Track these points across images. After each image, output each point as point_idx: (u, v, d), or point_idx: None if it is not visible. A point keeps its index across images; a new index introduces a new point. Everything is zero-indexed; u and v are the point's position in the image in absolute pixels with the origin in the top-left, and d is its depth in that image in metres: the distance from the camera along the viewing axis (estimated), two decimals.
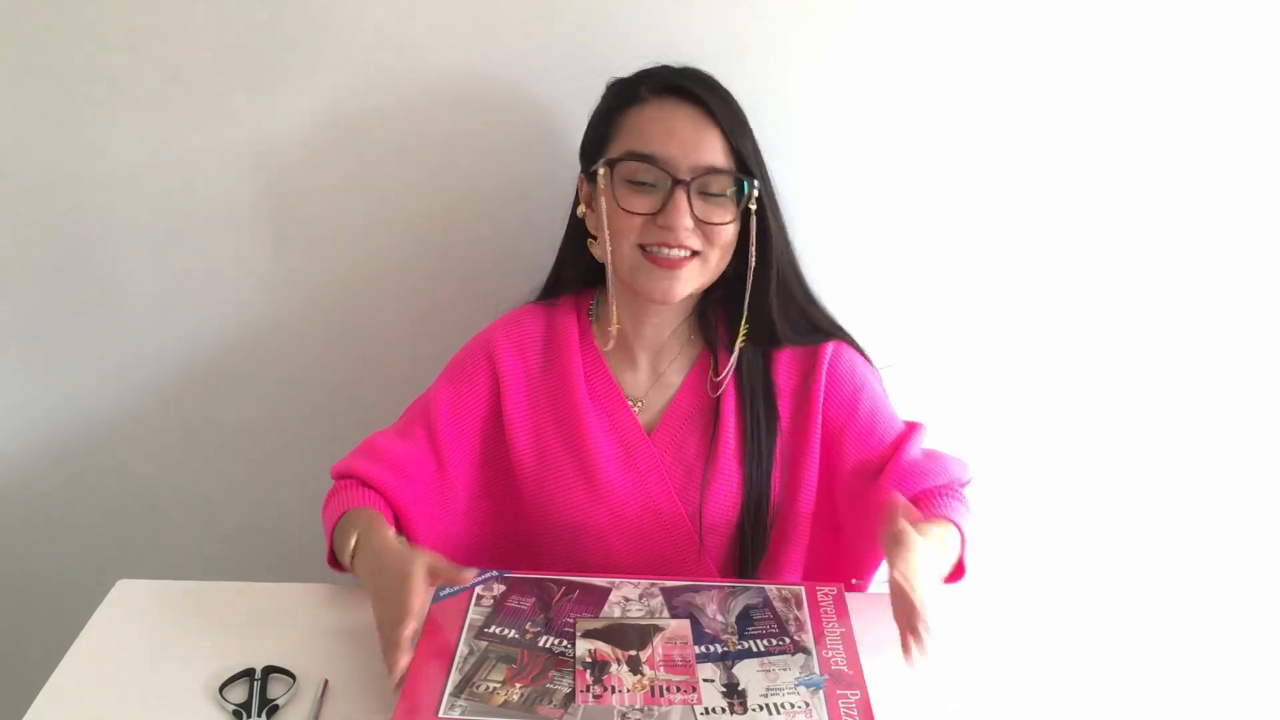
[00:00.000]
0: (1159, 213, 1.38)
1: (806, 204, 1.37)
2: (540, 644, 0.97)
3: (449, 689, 0.92)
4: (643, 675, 0.93)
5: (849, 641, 0.99)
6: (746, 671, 0.95)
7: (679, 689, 0.92)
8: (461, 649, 0.97)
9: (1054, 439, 1.49)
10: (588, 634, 0.98)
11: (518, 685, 0.91)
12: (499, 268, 1.39)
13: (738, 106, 1.14)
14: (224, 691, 0.97)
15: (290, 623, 1.08)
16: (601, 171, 1.11)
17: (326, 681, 0.99)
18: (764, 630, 1.00)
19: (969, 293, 1.42)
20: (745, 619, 1.02)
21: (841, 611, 1.03)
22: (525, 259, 1.37)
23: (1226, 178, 1.36)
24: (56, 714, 0.95)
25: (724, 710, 0.90)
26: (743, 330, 1.17)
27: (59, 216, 1.36)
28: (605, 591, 1.05)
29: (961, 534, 1.07)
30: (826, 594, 1.05)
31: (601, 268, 1.18)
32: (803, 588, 1.07)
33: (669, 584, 1.07)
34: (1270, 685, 1.02)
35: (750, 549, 1.19)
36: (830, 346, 1.19)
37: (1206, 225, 1.39)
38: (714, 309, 1.22)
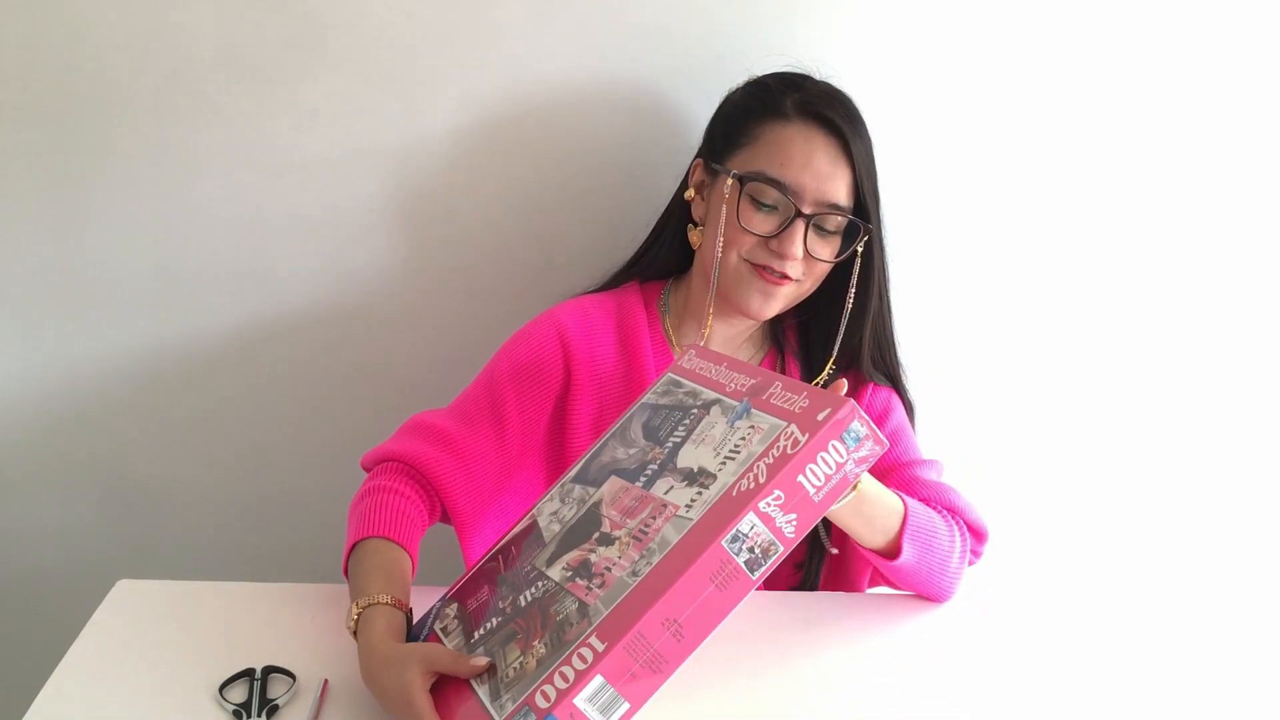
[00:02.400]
0: (1160, 213, 1.38)
1: None
2: (522, 603, 0.93)
3: (487, 702, 0.87)
4: (619, 539, 0.90)
5: (736, 365, 0.97)
6: (689, 457, 0.92)
7: (653, 516, 0.89)
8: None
9: (1056, 440, 1.49)
10: (550, 560, 0.94)
11: (535, 642, 0.88)
12: (501, 267, 1.39)
13: (869, 141, 1.15)
14: (224, 691, 0.97)
15: (290, 623, 1.07)
16: (730, 182, 1.12)
17: (326, 681, 0.98)
18: (671, 423, 0.98)
19: (972, 294, 1.42)
20: (651, 431, 0.99)
21: (708, 355, 1.01)
22: (526, 258, 1.38)
23: (1226, 179, 1.37)
24: (56, 714, 0.95)
25: (700, 491, 0.87)
26: (830, 366, 1.19)
27: (59, 216, 1.36)
28: (532, 525, 1.02)
29: (906, 509, 1.06)
30: (688, 355, 1.03)
31: (681, 258, 1.20)
32: (667, 370, 1.04)
33: (572, 473, 1.03)
34: (1271, 685, 1.02)
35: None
36: (878, 389, 1.22)
37: (1207, 226, 1.39)
38: (789, 317, 1.24)
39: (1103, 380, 1.46)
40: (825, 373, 1.20)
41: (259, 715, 0.94)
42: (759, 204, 1.12)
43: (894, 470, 1.17)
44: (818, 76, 1.17)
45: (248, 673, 0.99)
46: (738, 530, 0.81)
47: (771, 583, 1.21)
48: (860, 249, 1.14)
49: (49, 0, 1.27)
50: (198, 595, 1.12)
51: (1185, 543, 1.54)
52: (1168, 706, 0.99)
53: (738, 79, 1.20)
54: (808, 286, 1.16)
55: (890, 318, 1.22)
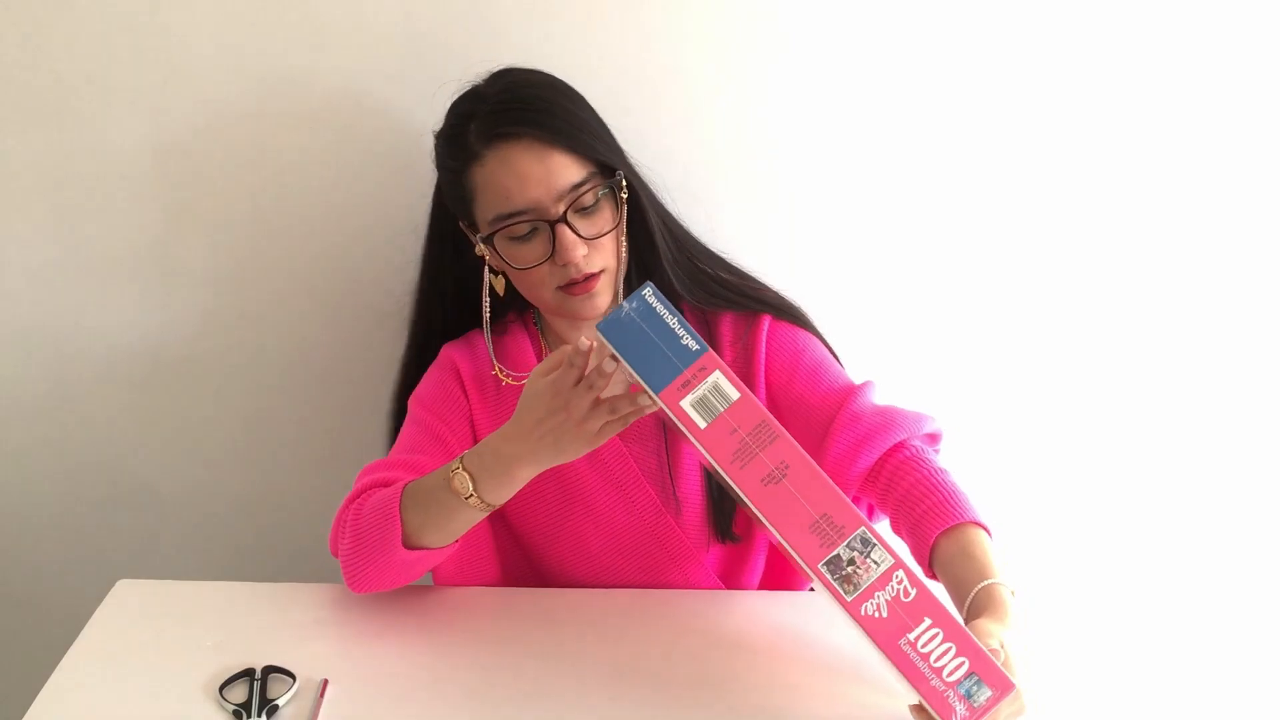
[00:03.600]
0: (1159, 213, 1.38)
1: (808, 205, 1.38)
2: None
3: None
4: None
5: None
6: None
7: None
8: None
9: (1058, 440, 1.49)
10: None
11: None
12: None
13: (564, 103, 1.11)
14: (224, 691, 0.97)
15: (290, 623, 1.08)
16: (481, 247, 1.12)
17: (326, 681, 0.98)
18: None
19: (971, 294, 1.42)
20: None
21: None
22: None
23: (1226, 179, 1.36)
24: (56, 714, 0.95)
25: None
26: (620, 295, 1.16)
27: (59, 216, 1.37)
28: None
29: (986, 529, 1.04)
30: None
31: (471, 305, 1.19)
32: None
33: None
34: (1271, 685, 1.02)
35: (720, 514, 1.19)
36: (767, 318, 1.19)
37: (1206, 226, 1.39)
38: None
39: (1105, 381, 1.46)
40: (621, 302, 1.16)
41: (259, 715, 0.94)
42: (518, 240, 1.10)
43: (838, 409, 1.12)
44: (483, 79, 1.13)
45: (248, 673, 0.99)
46: None
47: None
48: (625, 196, 1.11)
49: (49, 0, 1.27)
50: (198, 595, 1.12)
51: (1186, 543, 1.53)
52: (1167, 706, 0.99)
53: None
54: (614, 264, 1.13)
55: (699, 243, 1.20)
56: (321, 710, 0.95)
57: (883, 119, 1.34)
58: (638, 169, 1.16)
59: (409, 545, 1.04)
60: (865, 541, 0.85)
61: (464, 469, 1.00)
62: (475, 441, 1.17)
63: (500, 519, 1.22)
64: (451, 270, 1.23)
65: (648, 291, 0.90)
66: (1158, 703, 0.99)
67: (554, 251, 1.08)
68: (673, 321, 0.90)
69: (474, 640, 1.05)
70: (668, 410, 0.89)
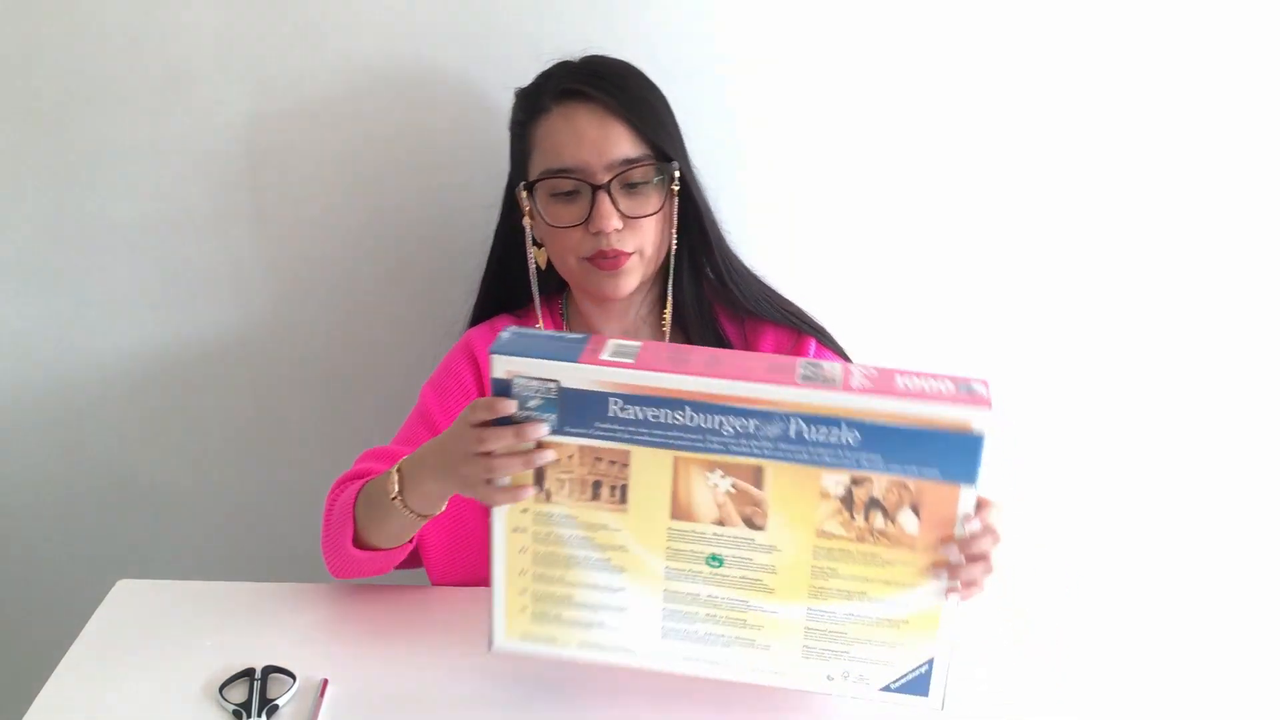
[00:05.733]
0: (1160, 214, 1.38)
1: (808, 205, 1.38)
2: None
3: None
4: None
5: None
6: None
7: None
8: None
9: (1058, 441, 1.49)
10: None
11: None
12: None
13: (640, 87, 1.14)
14: (224, 691, 0.97)
15: (290, 623, 1.08)
16: (524, 195, 1.13)
17: (326, 681, 0.98)
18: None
19: (971, 295, 1.42)
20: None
21: None
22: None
23: (1226, 179, 1.36)
24: (56, 714, 0.95)
25: None
26: (668, 313, 1.18)
27: (59, 216, 1.36)
28: None
29: None
30: None
31: (548, 274, 1.19)
32: None
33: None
34: (1271, 685, 1.02)
35: None
36: (813, 341, 1.21)
37: (1207, 226, 1.39)
38: (674, 291, 1.21)
39: (1105, 381, 1.46)
40: (666, 313, 1.18)
41: (259, 715, 0.94)
42: (560, 197, 1.12)
43: None
44: (577, 57, 1.17)
45: (248, 673, 0.99)
46: None
47: None
48: (677, 189, 1.13)
49: (49, 0, 1.27)
50: (198, 595, 1.12)
51: (1188, 543, 1.53)
52: (1167, 707, 0.99)
53: None
54: (651, 252, 1.14)
55: (739, 258, 1.21)
56: (321, 710, 0.95)
57: (883, 119, 1.34)
58: (696, 174, 1.17)
59: (358, 544, 1.06)
60: (813, 363, 0.88)
61: (398, 470, 1.00)
62: None
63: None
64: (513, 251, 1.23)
65: (508, 332, 0.90)
66: (1158, 703, 0.99)
67: (589, 217, 1.10)
68: (549, 333, 0.94)
69: (474, 640, 1.05)
70: (591, 373, 0.87)
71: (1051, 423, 1.48)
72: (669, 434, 0.88)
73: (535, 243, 1.18)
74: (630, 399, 0.87)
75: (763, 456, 0.87)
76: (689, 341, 1.20)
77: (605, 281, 1.13)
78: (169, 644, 1.04)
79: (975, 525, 0.87)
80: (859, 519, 0.88)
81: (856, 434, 0.85)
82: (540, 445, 0.89)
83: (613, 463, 0.90)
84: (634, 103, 1.12)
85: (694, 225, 1.17)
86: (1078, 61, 1.32)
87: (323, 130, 1.33)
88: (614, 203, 1.10)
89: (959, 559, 0.87)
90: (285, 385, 1.46)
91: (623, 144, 1.10)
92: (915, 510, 0.87)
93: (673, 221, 1.14)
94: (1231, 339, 1.44)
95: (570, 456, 0.90)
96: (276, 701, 0.96)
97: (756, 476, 0.88)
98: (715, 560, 0.91)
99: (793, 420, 0.86)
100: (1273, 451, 1.49)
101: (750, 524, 0.90)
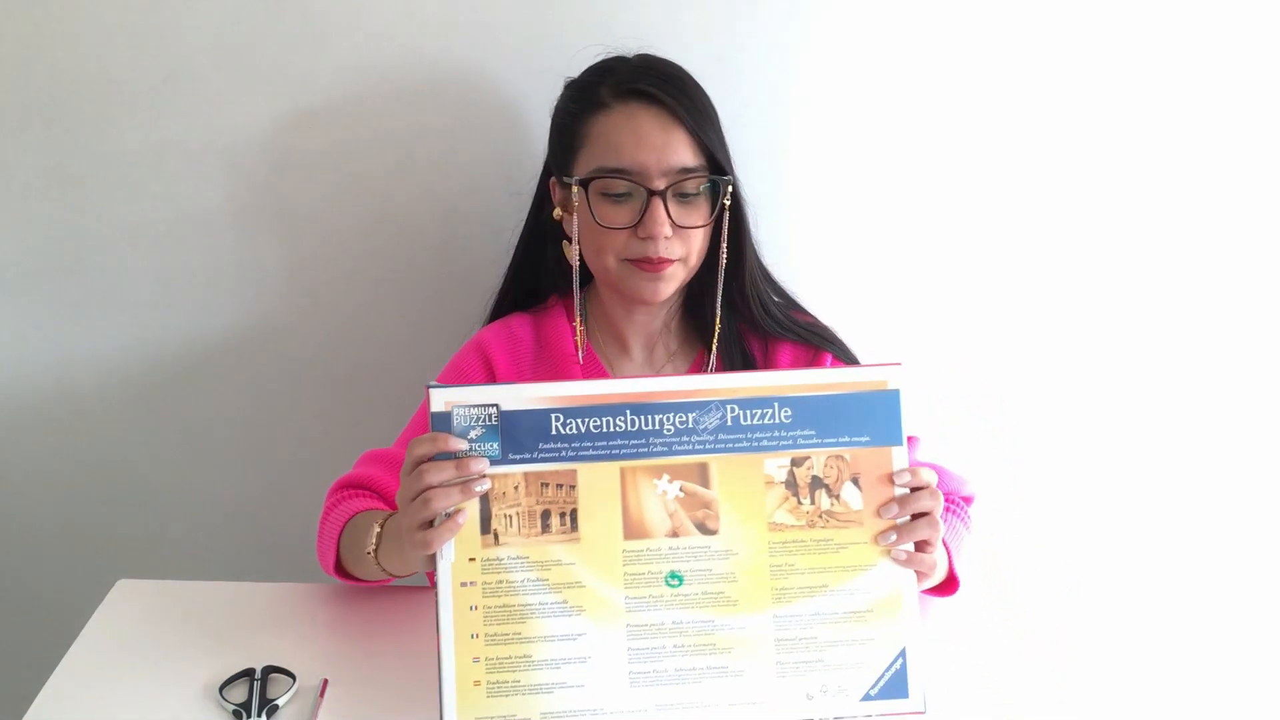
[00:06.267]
0: (1160, 214, 1.38)
1: (809, 205, 1.38)
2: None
3: None
4: None
5: None
6: None
7: None
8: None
9: (1058, 441, 1.49)
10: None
11: None
12: (499, 267, 1.39)
13: (701, 96, 1.13)
14: (224, 691, 0.97)
15: (290, 623, 1.08)
16: (576, 189, 1.11)
17: (326, 681, 0.99)
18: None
19: (972, 295, 1.42)
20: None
21: None
22: None
23: (1226, 178, 1.37)
24: (56, 714, 0.95)
25: None
26: (719, 326, 1.18)
27: (59, 216, 1.36)
28: None
29: (947, 549, 1.05)
30: None
31: (568, 271, 1.18)
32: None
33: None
34: (1270, 685, 1.02)
35: None
36: (829, 356, 1.21)
37: (1206, 227, 1.39)
38: (710, 306, 1.22)
39: (1106, 382, 1.46)
40: (717, 328, 1.17)
41: (259, 715, 0.94)
42: (611, 197, 1.10)
43: None
44: (631, 54, 1.16)
45: (248, 673, 0.99)
46: None
47: None
48: (728, 203, 1.12)
49: (49, 0, 1.27)
50: (198, 595, 1.12)
51: (1184, 543, 1.53)
52: (1167, 707, 0.99)
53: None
54: (694, 261, 1.14)
55: (765, 269, 1.21)
56: (321, 710, 0.95)
57: (882, 120, 1.34)
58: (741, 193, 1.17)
59: (338, 569, 1.07)
60: None
61: (380, 525, 1.00)
62: None
63: None
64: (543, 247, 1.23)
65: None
66: (1157, 703, 0.99)
67: (640, 222, 1.09)
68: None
69: None
70: (530, 391, 0.90)
71: (1052, 423, 1.48)
72: (612, 444, 0.89)
73: (566, 237, 1.17)
74: (571, 412, 0.89)
75: (705, 451, 0.89)
76: (714, 355, 1.19)
77: (645, 284, 1.12)
78: (169, 644, 1.04)
79: (907, 478, 0.91)
80: (805, 503, 0.90)
81: (789, 410, 0.89)
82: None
83: (559, 486, 0.90)
84: (697, 112, 1.11)
85: (735, 241, 1.16)
86: (1077, 61, 1.32)
87: (323, 130, 1.33)
88: (667, 209, 1.09)
89: (904, 517, 0.91)
90: (285, 385, 1.46)
91: (683, 152, 1.09)
92: (856, 483, 0.90)
93: (722, 235, 1.13)
94: (1231, 339, 1.44)
95: (516, 487, 0.90)
96: (276, 701, 0.96)
97: (703, 475, 0.90)
98: (675, 578, 0.90)
99: (728, 407, 0.89)
100: (1272, 451, 1.49)
101: (704, 529, 0.90)
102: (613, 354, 1.23)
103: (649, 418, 0.89)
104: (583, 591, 0.90)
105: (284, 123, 1.32)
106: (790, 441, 0.89)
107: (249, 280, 1.40)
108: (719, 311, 1.17)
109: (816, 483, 0.90)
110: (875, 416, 0.90)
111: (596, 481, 0.89)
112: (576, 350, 1.20)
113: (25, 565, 1.55)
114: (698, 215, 1.11)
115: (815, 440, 0.90)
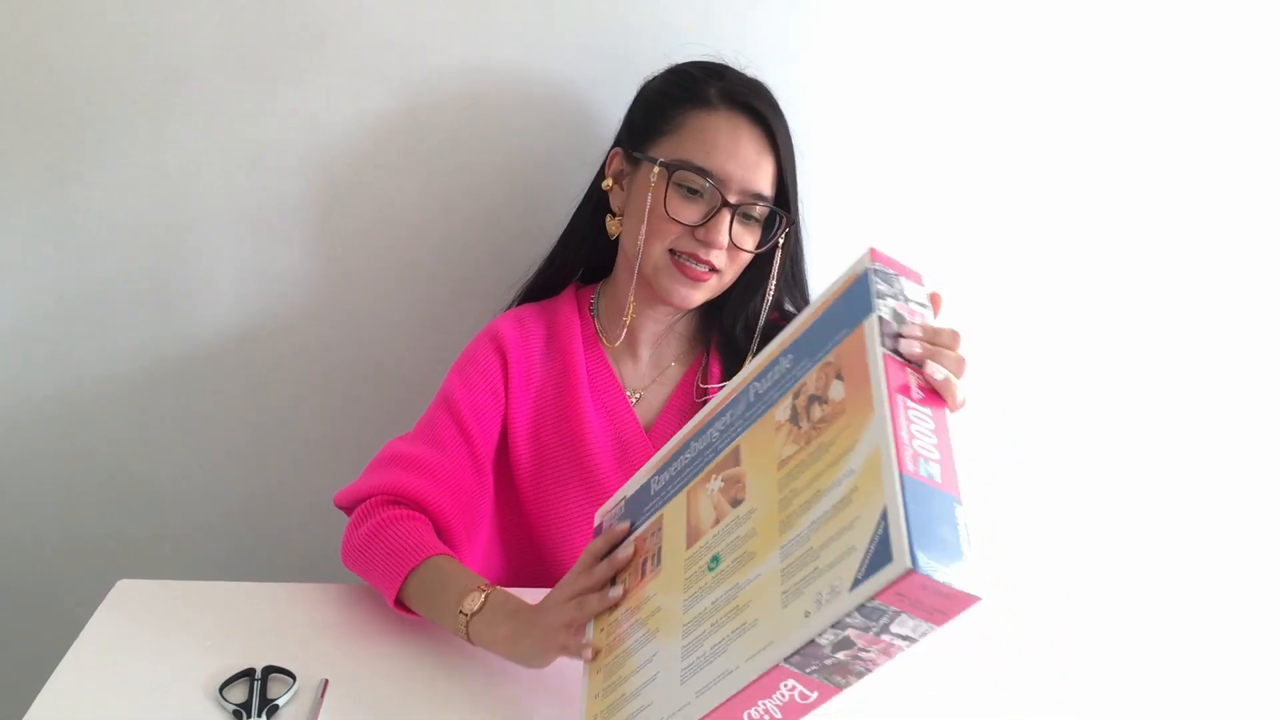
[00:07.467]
0: (1159, 215, 1.38)
1: (809, 205, 1.38)
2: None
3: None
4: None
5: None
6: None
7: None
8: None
9: (1058, 441, 1.49)
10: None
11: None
12: (499, 267, 1.39)
13: (790, 133, 1.15)
14: (224, 691, 0.97)
15: (290, 623, 1.08)
16: (656, 170, 1.11)
17: (326, 681, 0.99)
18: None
19: (971, 296, 1.42)
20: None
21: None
22: (526, 259, 1.37)
23: (1225, 180, 1.37)
24: (56, 714, 0.95)
25: None
26: (754, 349, 1.19)
27: (59, 216, 1.36)
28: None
29: None
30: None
31: (603, 259, 1.19)
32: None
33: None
34: (1270, 685, 1.02)
35: None
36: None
37: (1206, 227, 1.39)
38: (719, 315, 1.24)
39: (1107, 383, 1.46)
40: (750, 357, 1.18)
41: (259, 715, 0.94)
42: (686, 191, 1.11)
43: None
44: (736, 67, 1.17)
45: (248, 673, 0.99)
46: None
47: None
48: (781, 241, 1.14)
49: (49, 0, 1.27)
50: (198, 595, 1.12)
51: (1183, 543, 1.54)
52: (1166, 707, 0.99)
53: (653, 68, 1.20)
54: (729, 277, 1.16)
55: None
56: (321, 710, 0.95)
57: (882, 120, 1.34)
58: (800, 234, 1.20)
59: (398, 602, 1.05)
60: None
61: (486, 595, 0.99)
62: (499, 443, 1.19)
63: (519, 513, 1.23)
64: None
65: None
66: (1157, 703, 0.99)
67: (704, 225, 1.10)
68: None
69: None
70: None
71: (1052, 423, 1.48)
72: (682, 476, 0.92)
73: (611, 211, 1.18)
74: (661, 469, 0.95)
75: (738, 435, 0.89)
76: (718, 368, 1.23)
77: (679, 288, 1.14)
78: (169, 644, 1.04)
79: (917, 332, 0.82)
80: (804, 424, 0.83)
81: (790, 356, 0.87)
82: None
83: (653, 534, 0.92)
84: (789, 149, 1.14)
85: (794, 276, 1.20)
86: (1078, 63, 1.32)
87: (323, 130, 1.33)
88: (731, 225, 1.11)
89: (916, 350, 0.80)
90: (285, 385, 1.46)
91: (766, 178, 1.12)
92: (840, 376, 0.82)
93: (772, 270, 1.15)
94: (1230, 339, 1.44)
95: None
96: (276, 701, 0.96)
97: (735, 457, 0.89)
98: (715, 561, 0.86)
99: (751, 389, 0.90)
100: (1272, 451, 1.49)
101: (735, 503, 0.86)
102: (620, 350, 1.23)
103: (702, 435, 0.92)
104: (659, 615, 0.88)
105: (283, 123, 1.32)
106: (791, 379, 0.86)
107: (249, 280, 1.40)
108: (756, 340, 1.19)
109: (812, 399, 0.84)
110: (851, 306, 0.84)
111: (674, 516, 0.91)
112: (583, 346, 1.21)
113: (26, 565, 1.55)
114: (751, 239, 1.14)
115: (808, 365, 0.85)
